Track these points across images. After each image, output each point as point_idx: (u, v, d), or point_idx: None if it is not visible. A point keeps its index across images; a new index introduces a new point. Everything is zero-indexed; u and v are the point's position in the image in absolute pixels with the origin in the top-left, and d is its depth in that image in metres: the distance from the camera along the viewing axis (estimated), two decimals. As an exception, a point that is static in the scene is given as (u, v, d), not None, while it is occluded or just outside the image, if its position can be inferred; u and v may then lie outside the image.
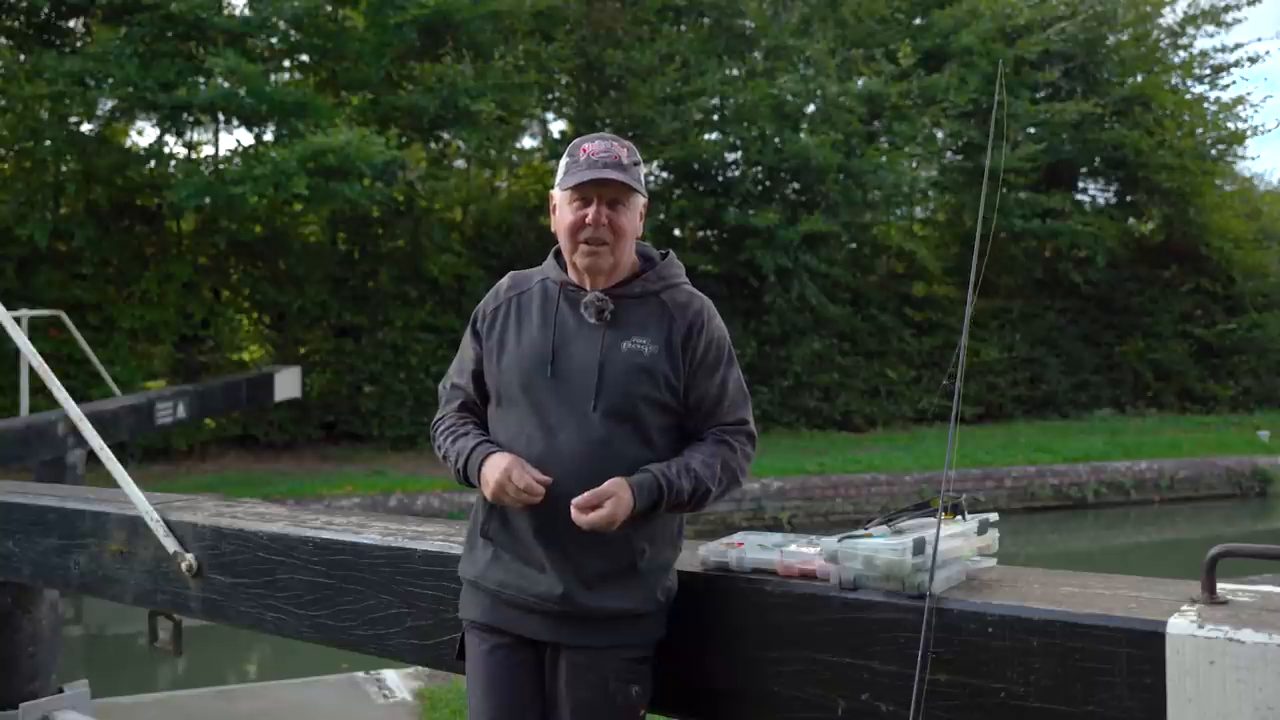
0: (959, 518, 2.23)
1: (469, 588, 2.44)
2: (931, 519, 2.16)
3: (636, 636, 2.32)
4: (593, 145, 2.35)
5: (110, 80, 13.56)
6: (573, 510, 2.17)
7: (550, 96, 18.00)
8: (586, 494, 2.18)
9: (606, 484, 2.20)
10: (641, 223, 2.42)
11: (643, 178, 2.39)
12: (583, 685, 2.28)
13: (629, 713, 2.30)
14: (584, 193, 2.31)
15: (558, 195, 2.39)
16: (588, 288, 2.36)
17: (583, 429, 2.27)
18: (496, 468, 2.25)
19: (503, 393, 2.38)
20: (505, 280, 2.51)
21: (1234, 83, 30.07)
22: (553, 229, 2.41)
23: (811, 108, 17.93)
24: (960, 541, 2.17)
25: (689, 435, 2.40)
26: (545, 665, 2.34)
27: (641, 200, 2.39)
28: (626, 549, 2.28)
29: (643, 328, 2.33)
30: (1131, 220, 21.28)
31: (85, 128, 14.99)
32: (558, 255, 2.45)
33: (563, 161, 2.39)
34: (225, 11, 14.72)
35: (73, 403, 3.65)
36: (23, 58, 14.37)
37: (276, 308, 16.08)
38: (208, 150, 16.19)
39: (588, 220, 2.31)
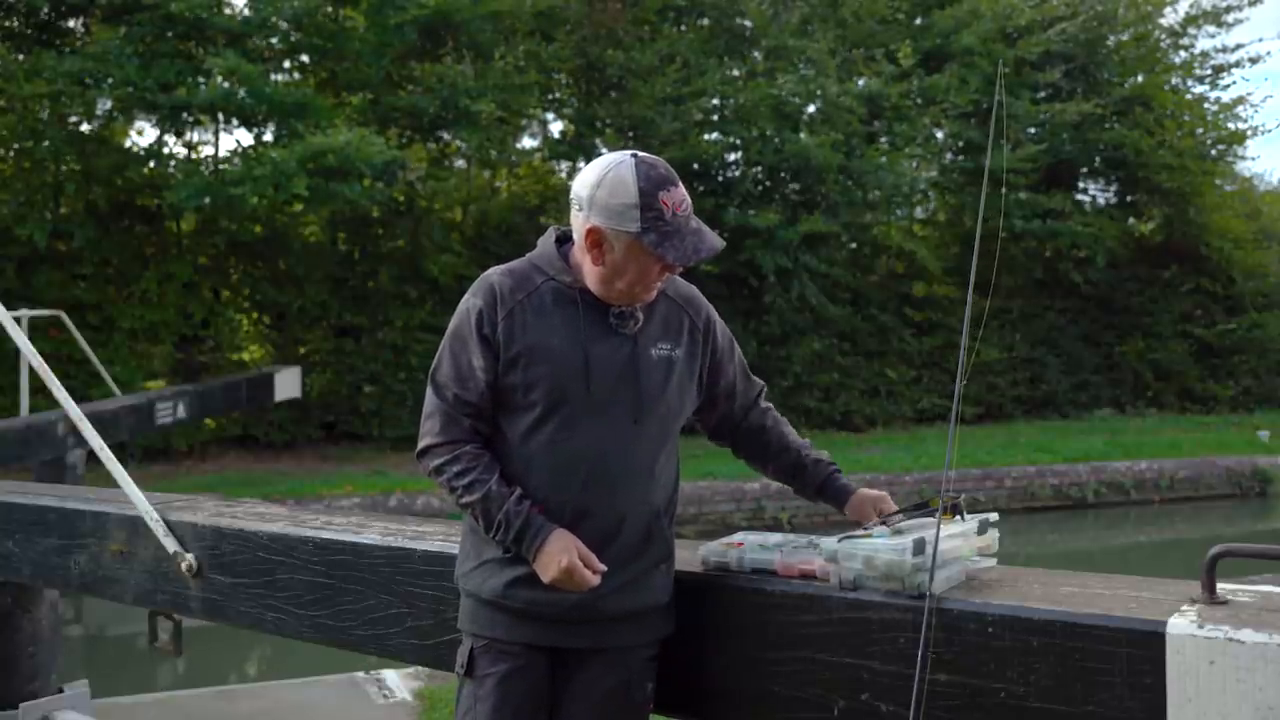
0: (958, 518, 2.23)
1: (484, 605, 2.33)
2: (931, 519, 2.16)
3: (658, 631, 2.35)
4: (671, 195, 2.20)
5: (110, 80, 13.57)
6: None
7: (550, 97, 18.00)
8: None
9: (871, 500, 2.44)
10: None
11: None
12: (607, 685, 2.29)
13: (644, 708, 2.33)
14: None
15: (621, 240, 2.19)
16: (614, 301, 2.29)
17: (630, 446, 2.26)
18: (558, 563, 2.17)
19: (538, 403, 2.25)
20: (503, 279, 2.30)
21: (1234, 83, 30.09)
22: (594, 263, 2.24)
23: (812, 108, 17.94)
24: (960, 541, 2.17)
25: (723, 419, 2.54)
26: (562, 669, 2.31)
27: None
28: (665, 545, 2.33)
29: (663, 331, 2.34)
30: (1131, 220, 21.28)
31: (85, 128, 15.00)
32: (559, 246, 2.35)
33: (625, 204, 2.17)
34: (225, 11, 14.71)
35: (73, 403, 3.65)
36: (22, 57, 14.36)
37: (276, 308, 16.08)
38: (207, 150, 16.22)
39: (662, 281, 2.28)
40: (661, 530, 2.33)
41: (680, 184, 2.25)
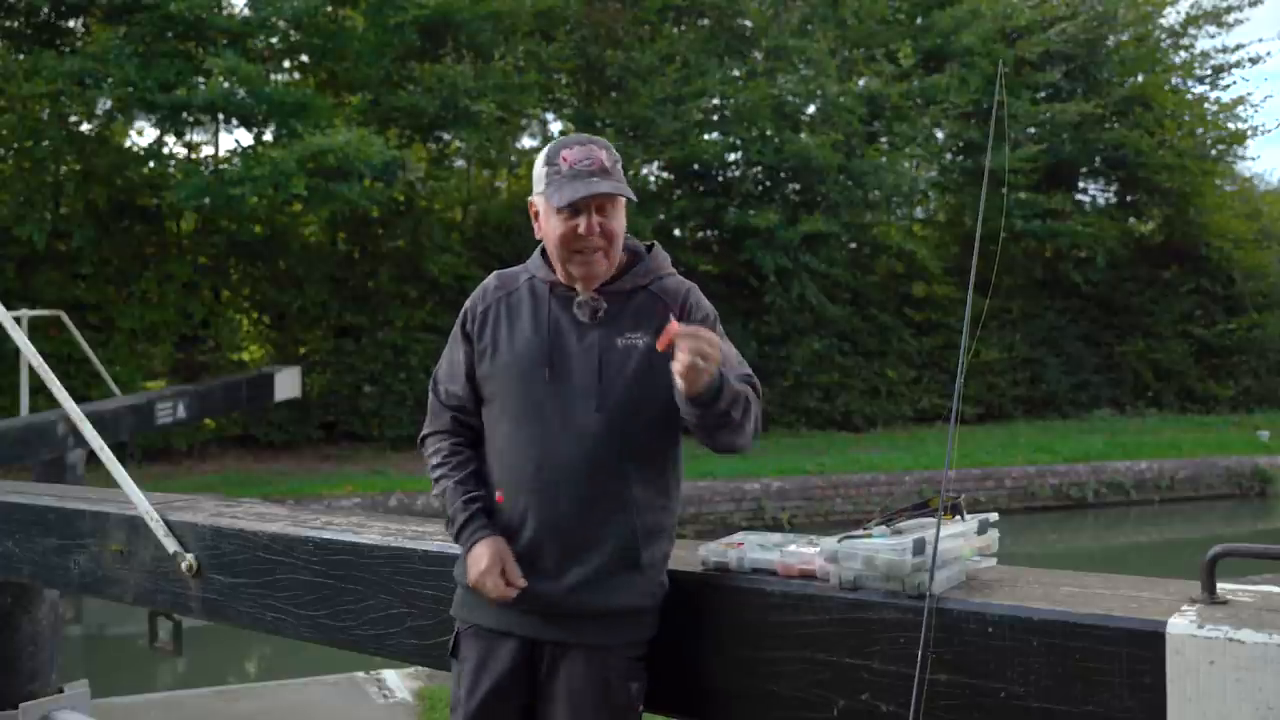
0: (958, 518, 2.23)
1: (469, 592, 2.40)
2: (931, 519, 2.16)
3: (636, 633, 2.32)
4: (573, 152, 2.31)
5: (109, 80, 13.56)
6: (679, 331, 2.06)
7: (550, 96, 18.00)
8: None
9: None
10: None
11: (623, 173, 2.39)
12: (582, 683, 2.28)
13: (628, 711, 2.30)
14: (574, 204, 2.30)
15: (540, 204, 2.36)
16: (578, 288, 2.35)
17: (586, 433, 2.27)
18: (477, 567, 2.27)
19: (498, 395, 2.36)
20: (492, 279, 2.48)
21: (1234, 83, 30.16)
22: (538, 235, 2.39)
23: (812, 108, 17.96)
24: (960, 541, 2.17)
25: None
26: (541, 663, 2.33)
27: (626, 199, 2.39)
28: (632, 544, 2.28)
29: (635, 322, 2.33)
30: (1131, 220, 21.30)
31: (85, 128, 15.00)
32: (544, 252, 2.43)
33: (540, 169, 2.35)
34: (225, 11, 14.72)
35: (73, 403, 3.65)
36: (22, 57, 14.37)
37: (276, 308, 16.09)
38: (207, 150, 16.23)
39: (580, 231, 2.28)
40: (632, 528, 2.28)
41: (594, 146, 2.33)
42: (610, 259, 2.33)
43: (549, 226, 2.33)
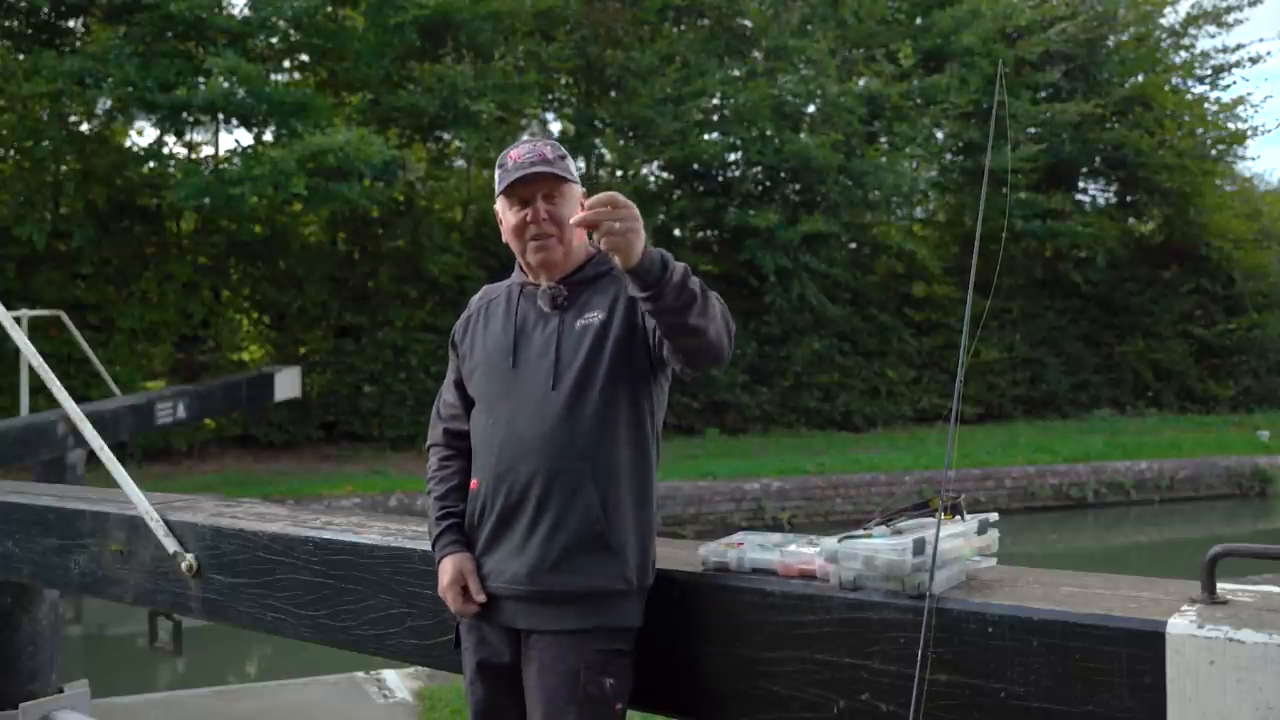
0: (958, 518, 2.22)
1: None
2: (931, 519, 2.16)
3: (608, 619, 2.29)
4: (517, 150, 2.43)
5: (110, 80, 13.56)
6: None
7: (550, 96, 18.02)
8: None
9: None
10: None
11: (573, 169, 2.45)
12: (553, 673, 2.27)
13: (602, 705, 2.27)
14: (519, 194, 2.39)
15: (499, 206, 2.46)
16: (541, 280, 2.43)
17: (542, 411, 2.31)
18: (441, 582, 2.40)
19: (475, 394, 2.48)
20: (481, 291, 2.62)
21: (1234, 83, 30.19)
22: (504, 239, 2.48)
23: (812, 108, 17.97)
24: (960, 541, 2.17)
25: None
26: (524, 650, 2.34)
27: (577, 190, 2.44)
28: (597, 519, 2.27)
29: (595, 304, 2.38)
30: (1131, 220, 21.32)
31: (85, 128, 15.01)
32: None
33: (496, 174, 2.45)
34: (225, 11, 14.72)
35: (73, 403, 3.65)
36: (22, 57, 14.37)
37: (276, 308, 16.09)
38: (207, 150, 16.23)
39: (529, 219, 2.38)
40: (594, 503, 2.28)
41: (538, 142, 2.44)
42: (565, 245, 2.39)
43: (504, 222, 2.44)
